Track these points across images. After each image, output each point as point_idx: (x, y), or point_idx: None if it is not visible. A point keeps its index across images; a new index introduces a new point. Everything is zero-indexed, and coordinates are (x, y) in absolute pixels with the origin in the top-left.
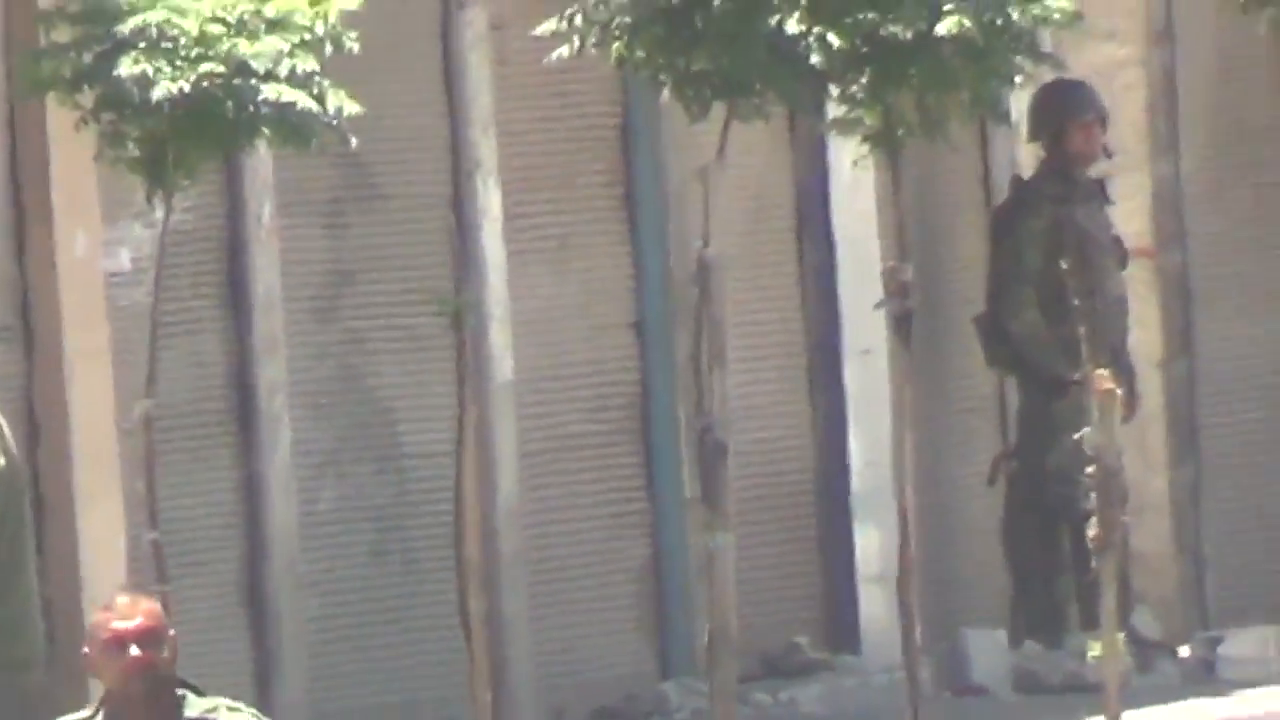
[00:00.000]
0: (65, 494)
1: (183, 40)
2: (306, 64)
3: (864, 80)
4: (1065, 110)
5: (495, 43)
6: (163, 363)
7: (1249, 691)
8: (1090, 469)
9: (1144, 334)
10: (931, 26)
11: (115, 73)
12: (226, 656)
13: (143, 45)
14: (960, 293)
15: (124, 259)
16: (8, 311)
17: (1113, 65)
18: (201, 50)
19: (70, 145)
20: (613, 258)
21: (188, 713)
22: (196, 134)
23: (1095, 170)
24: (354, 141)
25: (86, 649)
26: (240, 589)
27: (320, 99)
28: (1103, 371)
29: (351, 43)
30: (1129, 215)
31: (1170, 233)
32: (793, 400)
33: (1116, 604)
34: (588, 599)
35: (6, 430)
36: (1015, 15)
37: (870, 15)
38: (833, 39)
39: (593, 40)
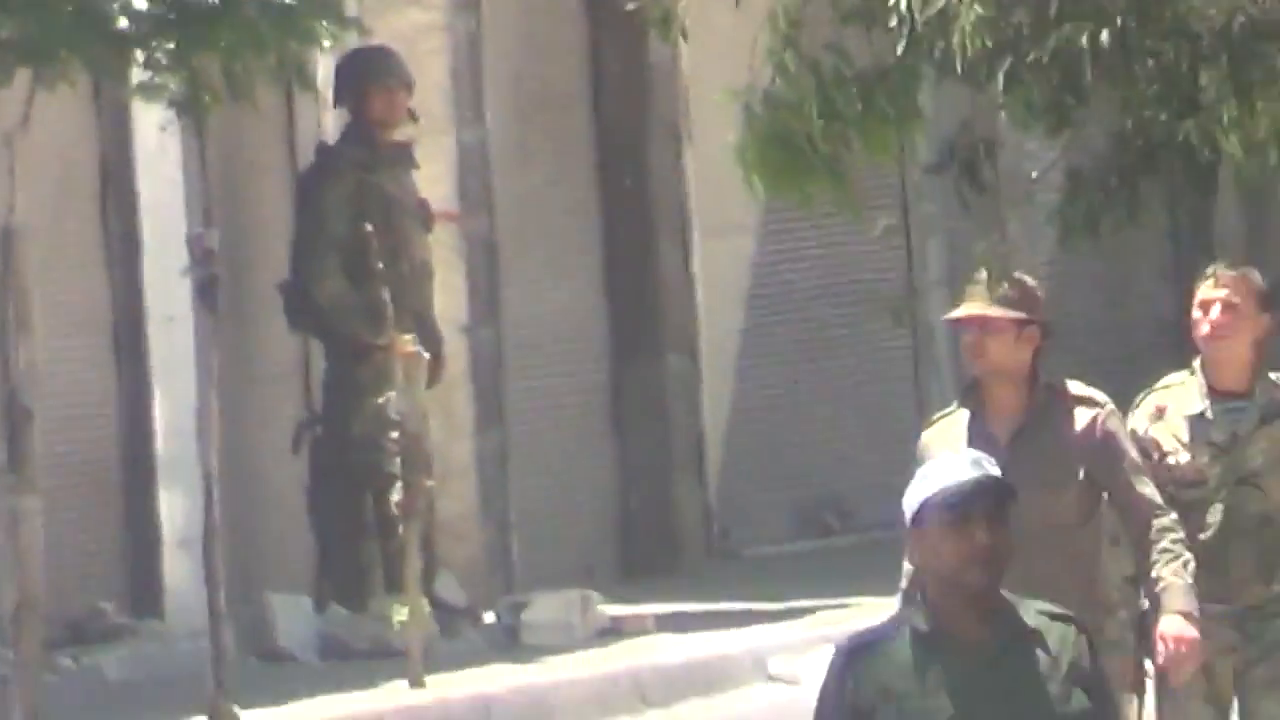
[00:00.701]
0: None
1: None
2: None
3: (170, 45)
4: (368, 76)
5: None
6: None
7: (552, 657)
8: (395, 434)
9: (449, 298)
10: None
11: None
12: None
13: None
14: (265, 259)
15: None
16: None
17: (417, 31)
18: None
19: None
20: None
21: None
22: None
23: (400, 135)
24: None
25: None
26: None
27: None
28: (407, 336)
29: None
30: (434, 180)
31: (475, 197)
32: (98, 367)
33: (421, 569)
34: None
35: None
36: None
37: None
38: (140, 3)
39: None
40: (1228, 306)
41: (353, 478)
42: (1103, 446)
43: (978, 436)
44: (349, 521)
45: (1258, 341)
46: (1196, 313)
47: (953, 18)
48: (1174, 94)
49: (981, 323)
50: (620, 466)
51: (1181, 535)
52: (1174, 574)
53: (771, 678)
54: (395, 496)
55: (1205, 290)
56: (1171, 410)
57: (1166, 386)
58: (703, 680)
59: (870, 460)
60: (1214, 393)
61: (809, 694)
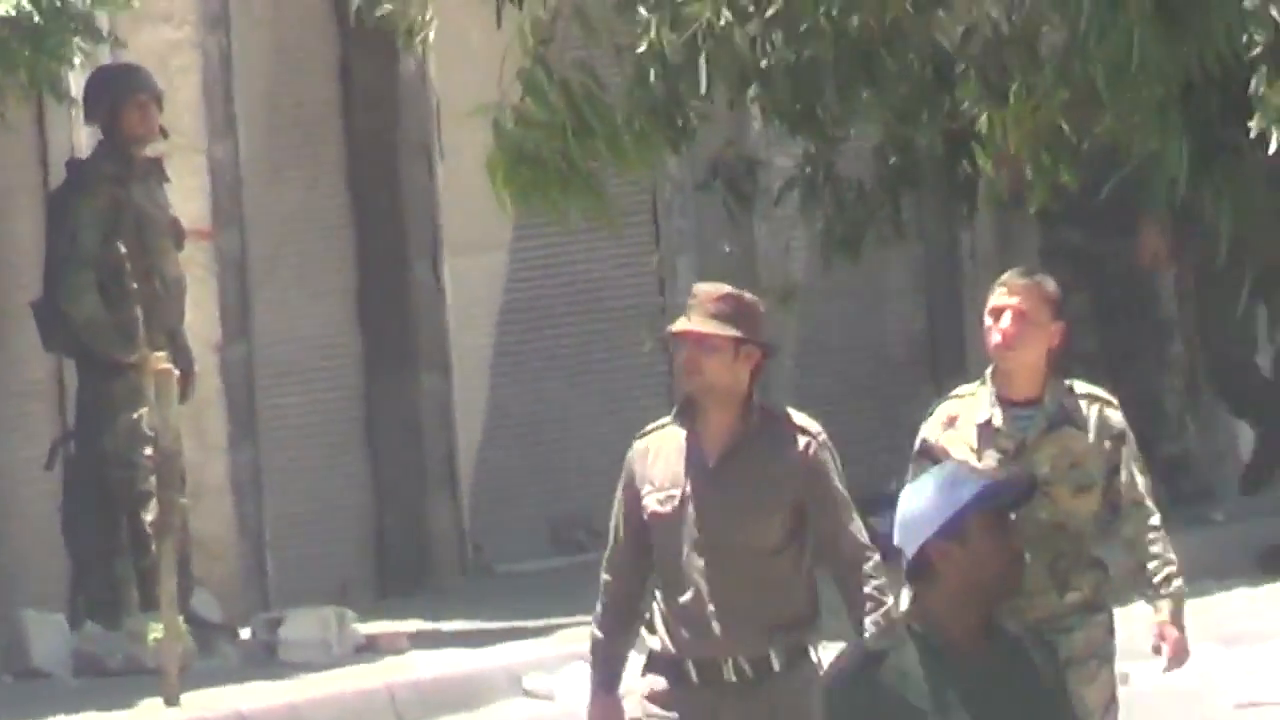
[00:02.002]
0: None
1: None
2: None
3: None
4: (119, 91)
5: None
6: None
7: (308, 674)
8: (149, 451)
9: (201, 315)
10: None
11: None
12: None
13: None
14: (17, 276)
15: None
16: None
17: (169, 47)
18: None
19: None
20: None
21: None
22: None
23: (153, 151)
24: None
25: None
26: None
27: None
28: (159, 353)
29: None
30: (187, 196)
31: (227, 214)
32: None
33: (177, 586)
34: None
35: None
36: None
37: None
38: None
39: None
40: (1018, 315)
41: (107, 495)
42: (811, 477)
43: (689, 454)
44: (103, 539)
45: (1050, 350)
46: (988, 320)
47: (700, 47)
48: (927, 109)
49: (698, 339)
50: (374, 484)
51: (884, 581)
52: (883, 619)
53: (526, 693)
54: (149, 514)
55: (996, 298)
56: (962, 419)
57: (959, 396)
58: (458, 697)
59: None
60: (1004, 401)
61: (563, 709)
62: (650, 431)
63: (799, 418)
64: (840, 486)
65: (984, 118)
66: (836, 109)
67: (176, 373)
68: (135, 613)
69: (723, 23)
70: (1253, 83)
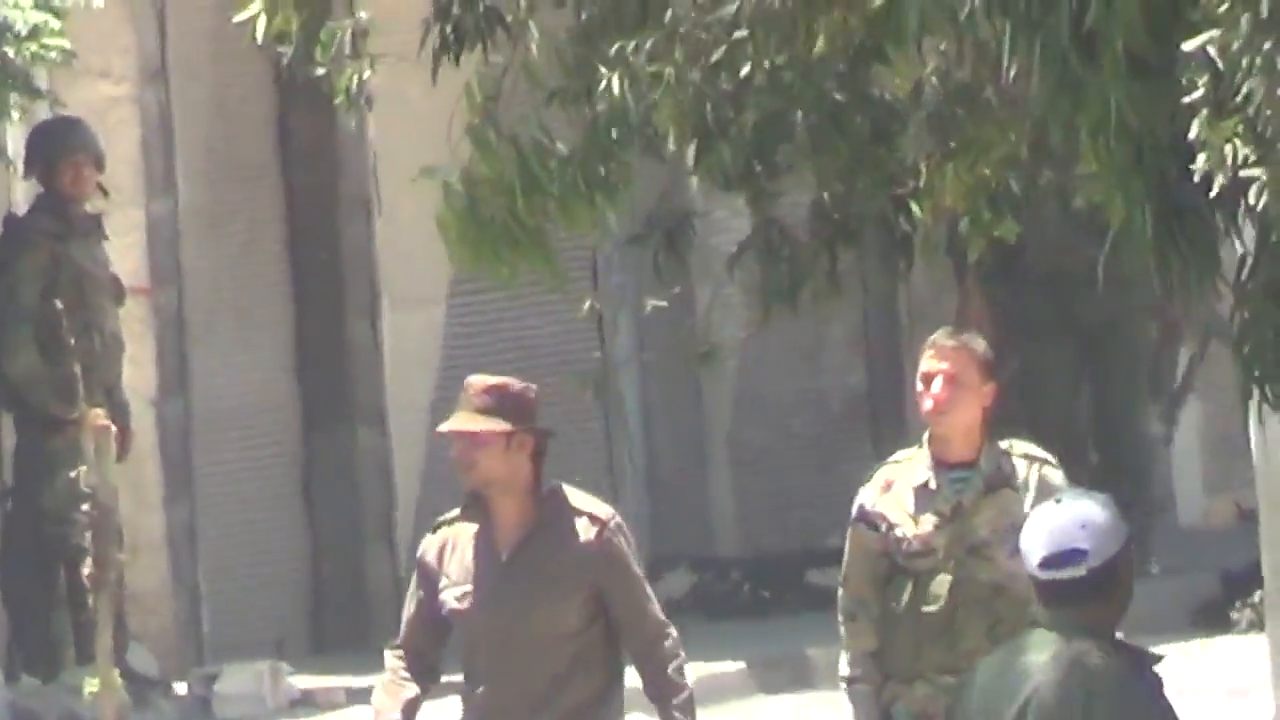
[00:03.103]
0: None
1: None
2: None
3: None
4: (56, 149)
5: None
6: None
7: None
8: (86, 506)
9: (138, 371)
10: None
11: None
12: None
13: None
14: None
15: None
16: None
17: (107, 102)
18: None
19: None
20: None
21: None
22: None
23: (91, 207)
24: None
25: None
26: None
27: None
28: (98, 410)
29: None
30: (124, 251)
31: (166, 269)
32: None
33: (113, 641)
34: None
35: None
36: (11, 53)
37: None
38: None
39: None
40: (949, 380)
41: (44, 550)
42: (605, 562)
43: (481, 549)
44: (40, 593)
45: (985, 410)
46: (919, 386)
47: (652, 103)
48: (869, 165)
49: (469, 436)
50: (311, 538)
51: (683, 659)
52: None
53: None
54: (86, 569)
55: (926, 363)
56: (899, 483)
57: (897, 461)
58: None
59: None
60: (940, 464)
61: None
62: (442, 525)
63: (590, 503)
64: (635, 569)
65: (924, 172)
66: (780, 170)
67: (114, 429)
68: (72, 667)
69: (674, 76)
70: (1194, 127)
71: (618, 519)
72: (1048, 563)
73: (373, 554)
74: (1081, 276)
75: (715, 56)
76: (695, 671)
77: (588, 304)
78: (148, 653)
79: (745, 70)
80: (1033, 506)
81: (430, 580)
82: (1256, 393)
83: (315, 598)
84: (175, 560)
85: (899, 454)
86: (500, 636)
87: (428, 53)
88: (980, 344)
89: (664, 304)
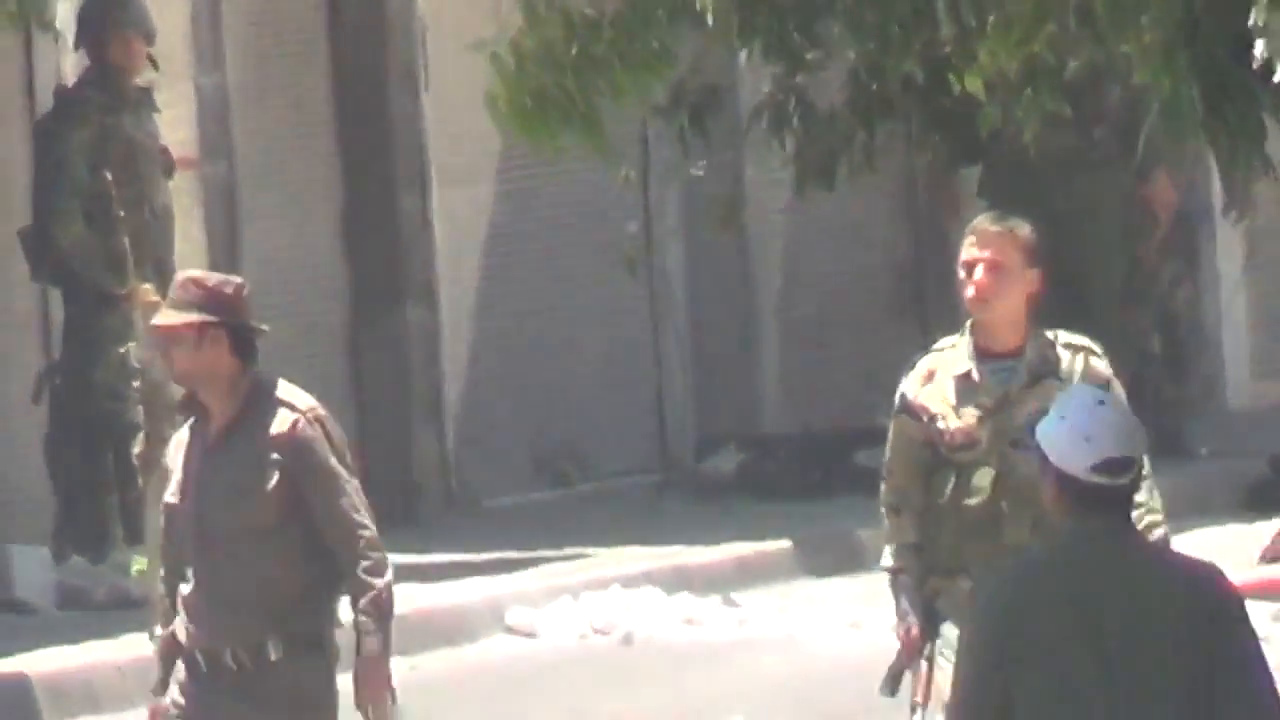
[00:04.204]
0: None
1: None
2: None
3: None
4: (108, 23)
5: None
6: None
7: None
8: (136, 383)
9: (188, 246)
10: None
11: None
12: None
13: None
14: (6, 205)
15: None
16: None
17: None
18: None
19: None
20: None
21: None
22: None
23: (141, 80)
24: None
25: None
26: None
27: None
28: (147, 285)
29: None
30: (174, 125)
31: (215, 143)
32: None
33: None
34: None
35: None
36: None
37: None
38: None
39: None
40: (992, 266)
41: (94, 427)
42: (296, 452)
43: (192, 443)
44: (89, 473)
45: (1030, 297)
46: (961, 273)
47: None
48: (911, 37)
49: (164, 330)
50: (359, 415)
51: (377, 559)
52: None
53: (509, 629)
54: (137, 447)
55: (967, 250)
56: (941, 373)
57: (939, 350)
58: (441, 630)
59: (608, 409)
60: (983, 354)
61: (545, 645)
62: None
63: (289, 392)
64: (331, 463)
65: (978, 47)
66: (811, 35)
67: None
68: (120, 546)
69: None
70: (1253, 14)
71: (319, 410)
72: (1114, 466)
73: (421, 432)
74: (1054, 162)
75: None
76: (742, 550)
77: (624, 173)
78: None
79: None
80: None
81: (169, 479)
82: None
83: (363, 476)
84: None
85: (941, 341)
86: (203, 531)
87: None
88: (1025, 229)
89: (700, 172)
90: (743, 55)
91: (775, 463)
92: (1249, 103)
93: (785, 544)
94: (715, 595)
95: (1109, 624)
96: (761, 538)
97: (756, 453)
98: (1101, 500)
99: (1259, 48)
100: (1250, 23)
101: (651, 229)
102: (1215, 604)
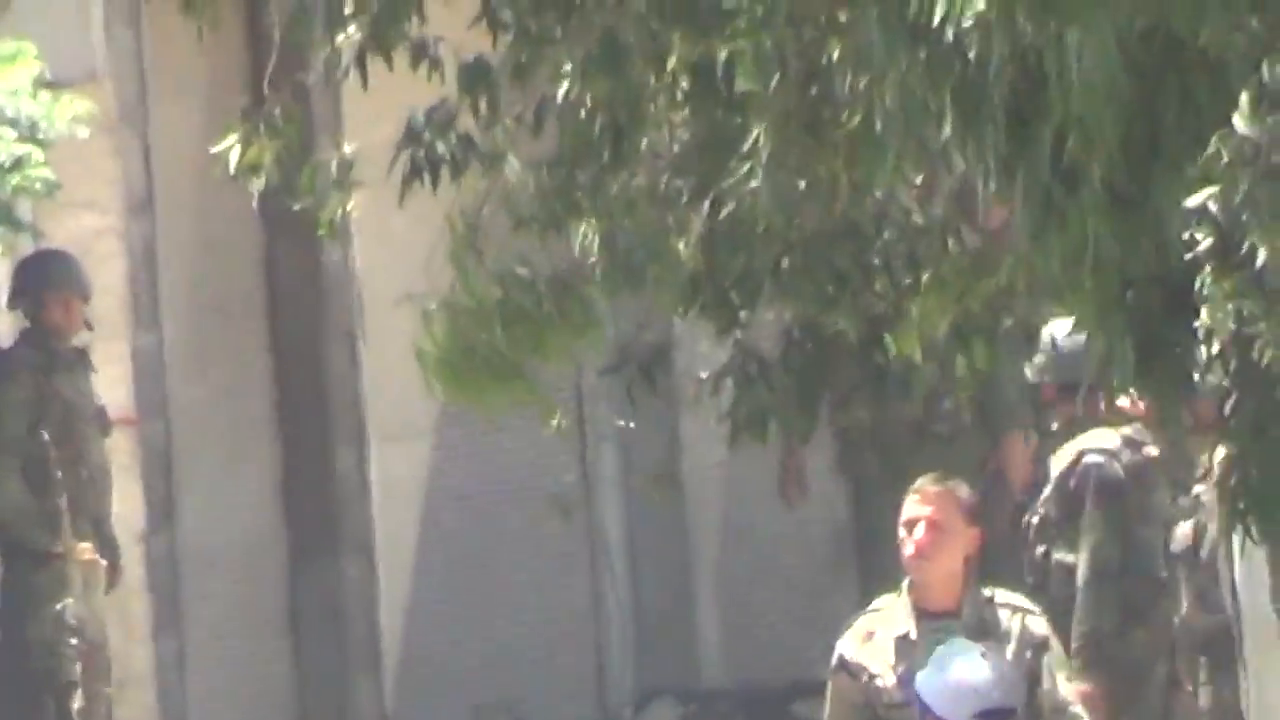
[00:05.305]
0: None
1: None
2: None
3: None
4: (45, 283)
5: None
6: None
7: None
8: (74, 641)
9: (126, 504)
10: None
11: None
12: None
13: None
14: None
15: None
16: None
17: (92, 234)
18: None
19: None
20: None
21: None
22: None
23: (78, 340)
24: None
25: None
26: None
27: None
28: (85, 544)
29: None
30: (111, 384)
31: (152, 402)
32: None
33: None
34: None
35: None
36: None
37: None
38: None
39: None
40: (932, 525)
41: (33, 683)
42: None
43: None
44: None
45: (968, 557)
46: (901, 532)
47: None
48: (847, 296)
49: None
50: (298, 670)
51: None
52: None
53: None
54: (76, 703)
55: (909, 508)
56: (880, 633)
57: (877, 610)
58: None
59: (546, 662)
60: (922, 613)
61: None
62: None
63: None
64: None
65: (912, 305)
66: (752, 299)
67: (103, 563)
68: None
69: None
70: (1198, 281)
71: None
72: (993, 717)
73: (359, 684)
74: (905, 431)
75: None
76: None
77: (555, 422)
78: None
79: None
80: (1014, 657)
81: None
82: (1240, 528)
83: None
84: (164, 693)
85: (878, 601)
86: None
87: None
88: (964, 489)
89: (631, 424)
90: (683, 315)
91: (714, 715)
92: (1178, 361)
93: None
94: None
95: None
96: None
97: (696, 704)
98: None
99: (1204, 316)
100: (1196, 289)
101: (589, 480)
102: None
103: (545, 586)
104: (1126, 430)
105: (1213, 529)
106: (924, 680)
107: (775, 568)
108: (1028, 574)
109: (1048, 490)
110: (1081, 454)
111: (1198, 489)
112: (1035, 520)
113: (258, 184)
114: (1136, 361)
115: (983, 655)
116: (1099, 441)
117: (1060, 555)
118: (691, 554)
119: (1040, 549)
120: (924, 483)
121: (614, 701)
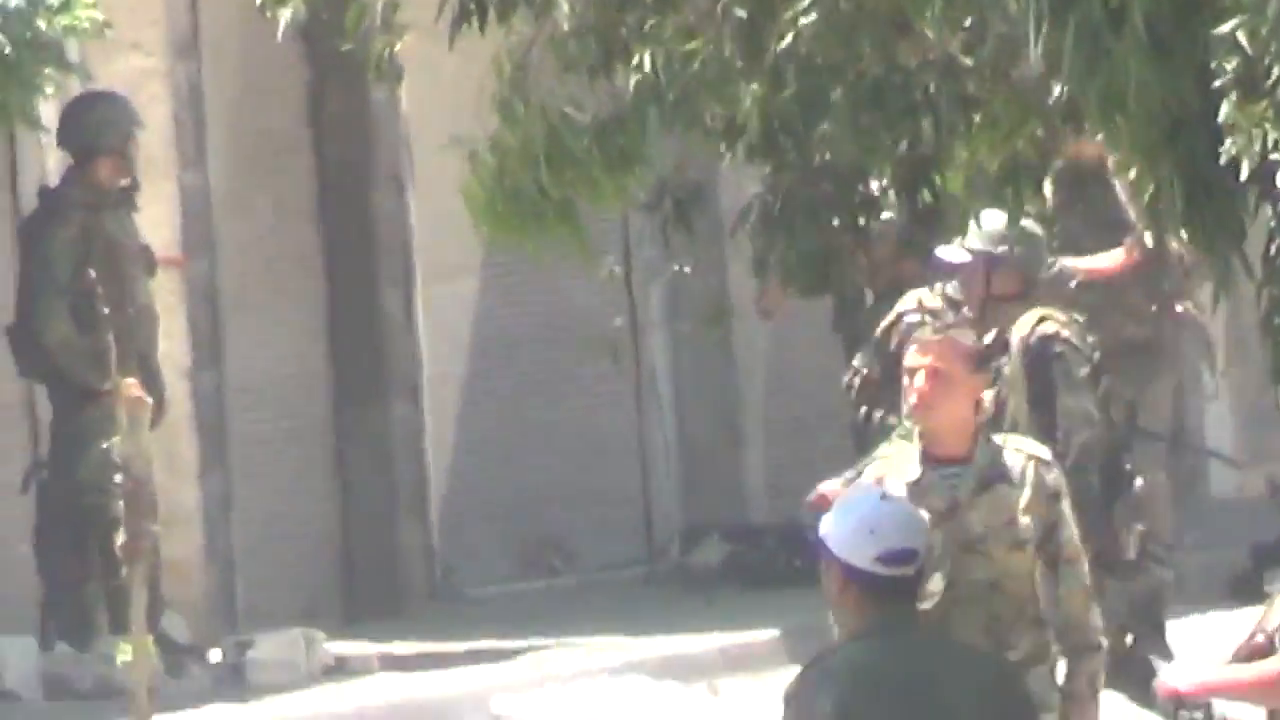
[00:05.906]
0: None
1: None
2: None
3: None
4: (97, 136)
5: None
6: None
7: (278, 696)
8: (119, 478)
9: (172, 342)
10: None
11: None
12: None
13: None
14: None
15: None
16: None
17: (139, 76)
18: None
19: None
20: None
21: None
22: None
23: (123, 178)
24: None
25: None
26: None
27: None
28: (131, 380)
29: None
30: (156, 224)
31: (198, 242)
32: None
33: (147, 609)
34: None
35: None
36: (44, 26)
37: None
38: None
39: None
40: (932, 374)
41: (79, 520)
42: None
43: None
44: (75, 563)
45: (977, 403)
46: (905, 380)
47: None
48: (896, 136)
49: None
50: (344, 509)
51: None
52: None
53: (494, 717)
54: (120, 539)
55: (910, 357)
56: (890, 479)
57: (885, 457)
58: (426, 719)
59: (593, 501)
60: (933, 459)
61: None
62: None
63: None
64: None
65: (956, 146)
66: (804, 140)
67: (149, 400)
68: (105, 635)
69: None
70: (1223, 110)
71: None
72: (898, 557)
73: (405, 522)
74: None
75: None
76: (729, 640)
77: (608, 269)
78: (181, 621)
79: (784, 42)
80: (1028, 503)
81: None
82: None
83: (348, 566)
84: (209, 530)
85: (883, 448)
86: None
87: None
88: (967, 336)
89: (685, 269)
90: (726, 156)
91: (761, 552)
92: (1228, 202)
93: (773, 632)
94: (701, 684)
95: (902, 711)
96: (749, 626)
97: (743, 543)
98: (887, 591)
99: (1228, 144)
100: (1220, 119)
101: (636, 323)
102: (1004, 701)
103: (592, 427)
104: (949, 290)
105: (1013, 401)
106: (826, 523)
107: (820, 408)
108: (851, 434)
109: (868, 350)
110: (901, 315)
111: (1001, 360)
112: (857, 381)
113: (284, 13)
114: (1185, 206)
115: (883, 498)
116: (914, 302)
117: (881, 415)
118: (737, 394)
119: (863, 410)
120: (924, 331)
121: (661, 539)
